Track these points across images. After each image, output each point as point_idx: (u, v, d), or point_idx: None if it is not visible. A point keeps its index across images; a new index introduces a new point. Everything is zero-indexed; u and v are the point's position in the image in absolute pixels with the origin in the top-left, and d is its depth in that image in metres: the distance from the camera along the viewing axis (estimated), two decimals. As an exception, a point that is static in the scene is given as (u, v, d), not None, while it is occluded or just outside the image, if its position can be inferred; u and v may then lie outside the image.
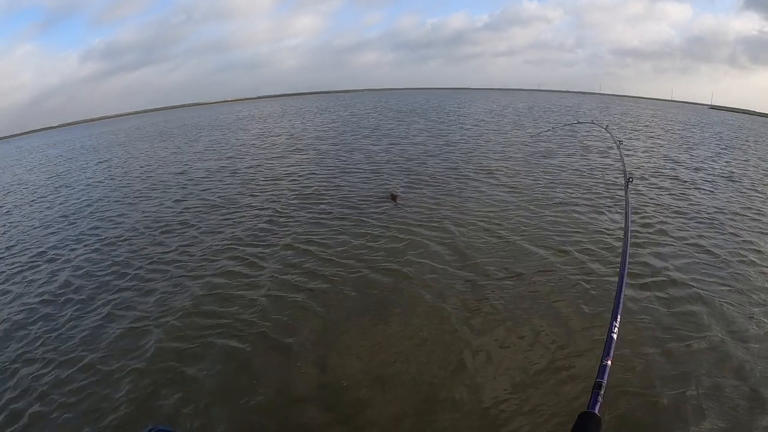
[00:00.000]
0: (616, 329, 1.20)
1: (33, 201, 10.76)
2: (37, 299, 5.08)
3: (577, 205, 7.43)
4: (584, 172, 10.04)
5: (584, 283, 4.60)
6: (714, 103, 72.33)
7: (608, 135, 6.94)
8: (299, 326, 4.04)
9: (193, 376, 3.46)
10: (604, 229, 6.20)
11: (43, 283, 5.52)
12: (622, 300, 1.33)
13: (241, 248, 6.02)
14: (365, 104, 41.81)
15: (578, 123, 15.95)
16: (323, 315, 4.22)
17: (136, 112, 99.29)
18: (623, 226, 1.90)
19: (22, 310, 4.86)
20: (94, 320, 4.46)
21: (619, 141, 4.79)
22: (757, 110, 56.33)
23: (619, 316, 1.25)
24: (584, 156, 11.99)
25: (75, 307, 4.79)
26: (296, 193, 8.87)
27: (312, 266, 5.28)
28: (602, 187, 8.57)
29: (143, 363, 3.66)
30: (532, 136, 15.62)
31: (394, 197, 8.27)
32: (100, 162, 16.60)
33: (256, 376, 3.41)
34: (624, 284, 1.45)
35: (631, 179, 2.74)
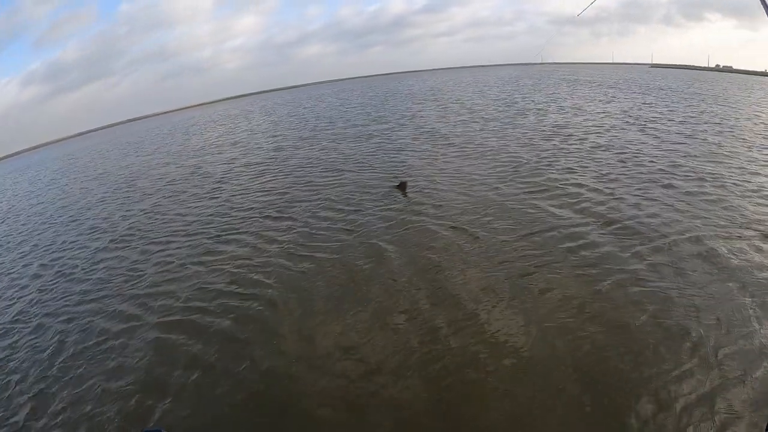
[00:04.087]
0: None
1: None
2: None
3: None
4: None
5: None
6: (654, 62, 75.77)
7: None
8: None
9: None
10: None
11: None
12: None
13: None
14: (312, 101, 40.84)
15: None
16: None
17: (80, 134, 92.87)
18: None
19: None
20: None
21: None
22: (697, 65, 59.48)
23: None
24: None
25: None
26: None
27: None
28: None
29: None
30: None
31: (403, 186, 7.78)
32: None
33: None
34: None
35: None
